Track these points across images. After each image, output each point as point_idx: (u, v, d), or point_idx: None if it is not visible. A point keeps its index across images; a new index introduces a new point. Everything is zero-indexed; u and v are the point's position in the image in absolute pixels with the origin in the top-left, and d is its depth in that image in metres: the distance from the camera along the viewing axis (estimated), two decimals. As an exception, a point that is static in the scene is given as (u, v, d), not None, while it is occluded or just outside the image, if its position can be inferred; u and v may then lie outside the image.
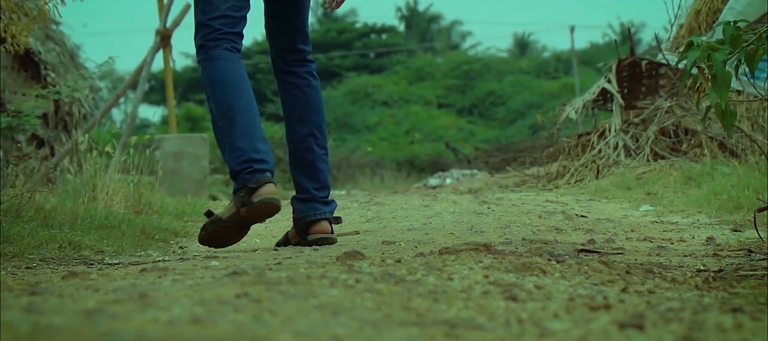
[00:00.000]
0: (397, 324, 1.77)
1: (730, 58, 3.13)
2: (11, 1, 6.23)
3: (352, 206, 8.05)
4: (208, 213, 4.51)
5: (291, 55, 4.61)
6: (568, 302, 2.03)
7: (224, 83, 4.32)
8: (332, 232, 4.57)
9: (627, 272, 2.55)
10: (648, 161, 10.90)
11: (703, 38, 3.25)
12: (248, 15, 4.45)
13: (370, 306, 1.93)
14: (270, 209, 4.21)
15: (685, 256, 3.62)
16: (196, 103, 36.21)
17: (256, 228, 5.00)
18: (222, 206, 6.38)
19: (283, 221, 6.66)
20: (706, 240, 4.42)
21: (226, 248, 4.42)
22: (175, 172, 11.28)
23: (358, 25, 50.31)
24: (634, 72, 12.68)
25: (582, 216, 6.24)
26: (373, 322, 1.76)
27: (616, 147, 11.63)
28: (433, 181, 18.93)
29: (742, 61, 3.18)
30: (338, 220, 4.68)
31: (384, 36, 50.12)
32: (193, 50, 4.52)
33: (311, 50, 4.68)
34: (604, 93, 12.90)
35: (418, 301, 1.99)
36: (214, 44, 4.34)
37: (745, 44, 3.12)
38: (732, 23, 3.17)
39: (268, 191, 4.23)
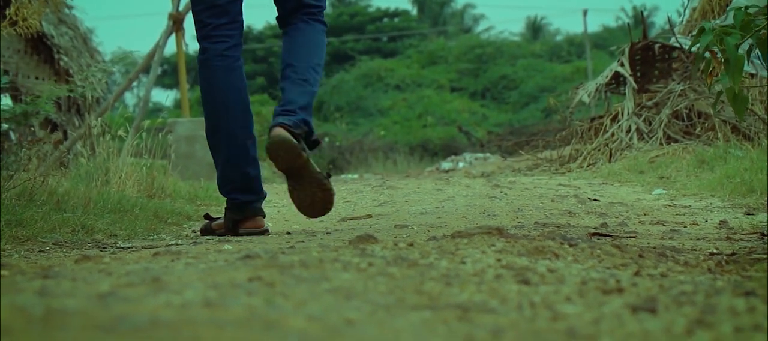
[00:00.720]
0: (409, 307, 1.77)
1: (743, 42, 3.12)
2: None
3: (365, 190, 8.05)
4: (207, 216, 4.62)
5: (291, 11, 4.41)
6: (580, 285, 2.02)
7: (214, 98, 4.28)
8: (292, 136, 4.08)
9: (640, 255, 2.54)
10: (661, 144, 10.89)
11: (716, 22, 3.23)
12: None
13: (383, 289, 1.93)
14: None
15: (697, 240, 3.62)
16: (208, 87, 36.17)
17: (267, 213, 5.01)
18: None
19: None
20: (719, 224, 4.41)
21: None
22: (187, 156, 11.29)
23: (371, 9, 50.32)
24: (647, 56, 12.65)
25: (595, 200, 6.23)
26: (385, 306, 1.76)
27: (628, 131, 11.61)
28: (445, 165, 18.92)
29: (755, 45, 3.17)
30: (316, 143, 4.26)
31: (396, 20, 50.09)
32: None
33: (315, 4, 4.41)
34: (617, 77, 12.88)
35: (431, 285, 1.99)
36: (208, 45, 4.29)
37: (758, 29, 3.10)
38: (743, 9, 3.16)
39: (253, 225, 4.30)
